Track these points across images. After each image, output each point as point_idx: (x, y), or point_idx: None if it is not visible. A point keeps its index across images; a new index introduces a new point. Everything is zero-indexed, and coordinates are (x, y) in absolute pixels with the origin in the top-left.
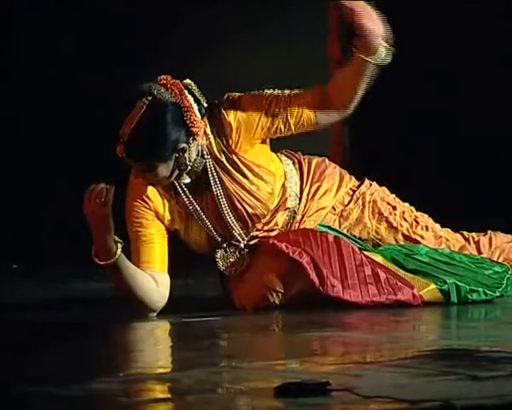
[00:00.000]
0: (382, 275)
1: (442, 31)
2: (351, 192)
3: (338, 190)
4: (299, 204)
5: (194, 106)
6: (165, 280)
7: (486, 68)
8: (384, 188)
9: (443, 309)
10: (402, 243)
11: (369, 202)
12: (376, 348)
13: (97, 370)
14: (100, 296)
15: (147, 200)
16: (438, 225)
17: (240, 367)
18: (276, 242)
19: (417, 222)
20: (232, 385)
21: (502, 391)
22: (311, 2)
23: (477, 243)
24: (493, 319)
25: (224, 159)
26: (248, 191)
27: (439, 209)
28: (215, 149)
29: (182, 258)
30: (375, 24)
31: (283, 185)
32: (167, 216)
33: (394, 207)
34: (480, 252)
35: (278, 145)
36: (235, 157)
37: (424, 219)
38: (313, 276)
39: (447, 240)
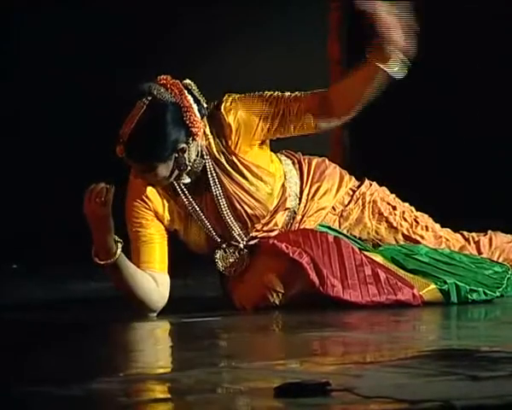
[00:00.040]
0: (382, 275)
1: (442, 31)
2: (351, 192)
3: (338, 191)
4: (299, 204)
5: (194, 106)
6: (165, 280)
7: (486, 68)
8: (384, 188)
9: (443, 309)
10: (402, 243)
11: (369, 202)
12: (376, 349)
13: (97, 370)
14: (100, 296)
15: (146, 200)
16: (438, 225)
17: (240, 367)
18: (276, 242)
19: (417, 222)
20: (232, 385)
21: (502, 391)
22: (311, 2)
23: (477, 243)
24: (493, 319)
25: (223, 159)
26: (248, 192)
27: (439, 209)
28: (214, 150)
29: (181, 258)
30: (398, 35)
31: (283, 186)
32: (167, 216)
33: (394, 208)
34: (480, 252)
35: (278, 145)
36: (234, 158)
37: (424, 219)
38: (313, 276)
39: (447, 240)
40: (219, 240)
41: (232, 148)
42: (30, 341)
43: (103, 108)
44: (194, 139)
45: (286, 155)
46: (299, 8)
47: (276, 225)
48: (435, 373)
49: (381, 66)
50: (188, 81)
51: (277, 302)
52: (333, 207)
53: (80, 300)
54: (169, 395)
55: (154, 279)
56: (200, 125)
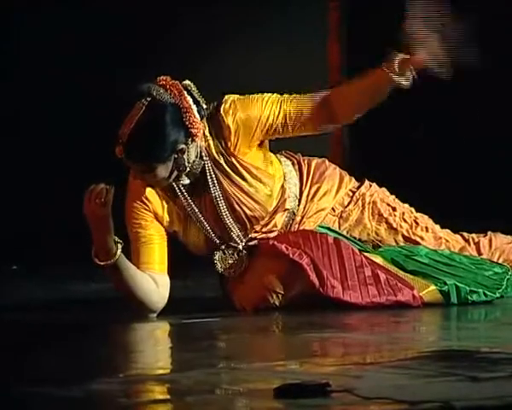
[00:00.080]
0: (382, 276)
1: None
2: (350, 193)
3: (338, 192)
4: (299, 205)
5: (194, 107)
6: (164, 281)
7: (486, 68)
8: (384, 189)
9: (443, 310)
10: (402, 244)
11: (369, 203)
12: (376, 349)
13: (97, 370)
14: (100, 297)
15: (146, 201)
16: (438, 226)
17: (239, 368)
18: (276, 243)
19: (417, 223)
20: (231, 386)
21: (502, 392)
22: (311, 2)
23: (477, 244)
24: (493, 320)
25: (222, 161)
26: (247, 193)
27: (439, 210)
28: (214, 151)
29: (181, 259)
30: (435, 45)
31: (282, 187)
32: (166, 217)
33: (394, 209)
34: (479, 253)
35: (278, 146)
36: (233, 159)
37: (424, 220)
38: (313, 277)
39: (447, 241)
40: (218, 241)
41: (231, 149)
42: (30, 341)
43: (103, 108)
44: (193, 140)
45: (285, 156)
46: (299, 8)
47: (275, 226)
48: (435, 374)
49: (394, 77)
50: (187, 82)
51: (277, 303)
52: (332, 209)
53: (80, 300)
54: (168, 396)
55: (153, 280)
56: (200, 127)
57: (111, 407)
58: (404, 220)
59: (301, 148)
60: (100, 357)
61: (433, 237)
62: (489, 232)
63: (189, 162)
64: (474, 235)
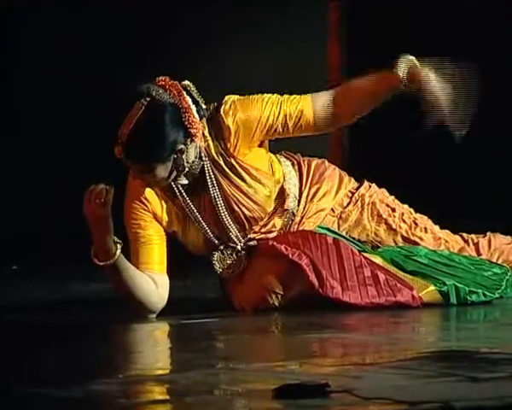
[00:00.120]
0: (382, 276)
1: (442, 30)
2: (350, 194)
3: (337, 192)
4: (298, 206)
5: (193, 107)
6: (164, 282)
7: (486, 68)
8: (383, 190)
9: (442, 311)
10: (401, 244)
11: (368, 203)
12: (376, 350)
13: (97, 371)
14: (100, 297)
15: (145, 201)
16: (437, 227)
17: (238, 369)
18: (275, 243)
19: (416, 224)
20: (230, 387)
21: (501, 393)
22: (311, 2)
23: (476, 245)
24: (492, 321)
25: (221, 161)
26: (246, 194)
27: (439, 210)
28: (213, 152)
29: (181, 259)
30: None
31: (282, 187)
32: (165, 218)
33: (393, 209)
34: (479, 254)
35: (278, 146)
36: (233, 160)
37: (423, 220)
38: (312, 278)
39: (446, 241)
40: (217, 241)
41: (231, 150)
42: (30, 341)
43: (103, 108)
44: (192, 140)
45: (285, 157)
46: (299, 8)
47: (274, 226)
48: (434, 375)
49: (403, 84)
50: (187, 82)
51: (277, 304)
52: (332, 209)
53: (80, 301)
54: (167, 397)
55: (153, 281)
56: (199, 127)
57: (110, 408)
58: (404, 221)
59: (301, 148)
60: (100, 357)
61: (433, 237)
62: (488, 233)
63: (188, 162)
64: (473, 235)
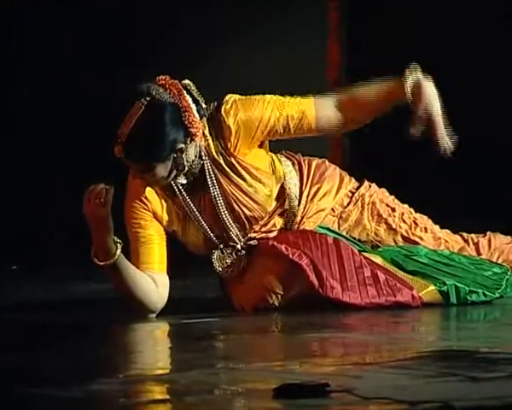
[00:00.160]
0: (382, 276)
1: (442, 31)
2: (350, 194)
3: (337, 192)
4: (299, 206)
5: (193, 106)
6: (164, 281)
7: (486, 68)
8: (383, 190)
9: (442, 310)
10: (401, 244)
11: (368, 203)
12: (376, 350)
13: (97, 371)
14: (100, 297)
15: (145, 201)
16: (437, 227)
17: (238, 368)
18: (275, 243)
19: (416, 224)
20: (230, 386)
21: (501, 392)
22: (311, 2)
23: (476, 245)
24: (492, 321)
25: (221, 161)
26: (246, 194)
27: (439, 210)
28: (213, 151)
29: (181, 259)
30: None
31: (282, 187)
32: (165, 217)
33: (393, 209)
34: (479, 253)
35: (278, 146)
36: (233, 160)
37: (423, 220)
38: (312, 278)
39: (446, 241)
40: (217, 241)
41: (231, 150)
42: (30, 341)
43: (103, 108)
44: (192, 140)
45: (286, 156)
46: (299, 8)
47: (274, 226)
48: (435, 374)
49: (407, 96)
50: (187, 81)
51: (277, 304)
52: (332, 209)
53: (80, 301)
54: (167, 396)
55: (153, 280)
56: (199, 126)
57: (111, 408)
58: (404, 221)
59: (301, 148)
60: (100, 357)
61: (433, 237)
62: (488, 233)
63: (188, 162)
64: (473, 235)
